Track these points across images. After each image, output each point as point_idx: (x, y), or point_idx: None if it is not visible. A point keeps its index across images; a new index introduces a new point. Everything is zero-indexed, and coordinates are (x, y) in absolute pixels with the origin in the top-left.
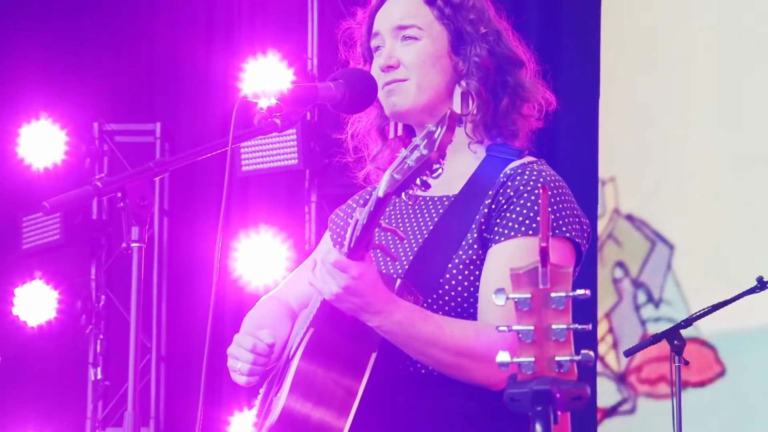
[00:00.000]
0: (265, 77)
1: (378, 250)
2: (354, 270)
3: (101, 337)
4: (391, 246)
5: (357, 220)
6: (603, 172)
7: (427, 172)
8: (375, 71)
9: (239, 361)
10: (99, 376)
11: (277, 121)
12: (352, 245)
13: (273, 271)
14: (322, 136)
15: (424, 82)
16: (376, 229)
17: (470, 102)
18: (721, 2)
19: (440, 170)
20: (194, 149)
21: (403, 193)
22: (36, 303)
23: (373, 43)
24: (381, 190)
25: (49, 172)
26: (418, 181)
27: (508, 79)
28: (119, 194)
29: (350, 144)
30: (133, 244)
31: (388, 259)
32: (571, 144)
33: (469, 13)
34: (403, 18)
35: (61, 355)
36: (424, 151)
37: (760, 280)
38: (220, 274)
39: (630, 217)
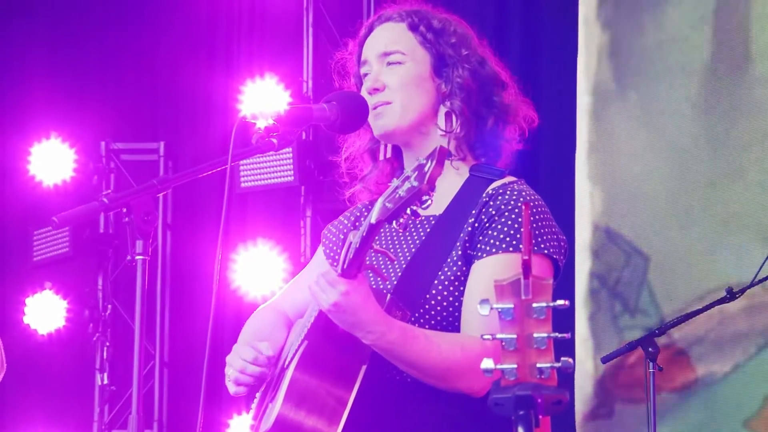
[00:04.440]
0: (262, 99)
1: (371, 272)
2: (342, 287)
3: (107, 344)
4: (382, 266)
5: (350, 243)
6: (581, 187)
7: (417, 202)
8: (363, 94)
9: (233, 369)
10: (105, 381)
11: (274, 140)
12: (345, 266)
13: (270, 281)
14: (317, 155)
15: (408, 103)
16: (371, 252)
17: (454, 121)
18: (694, 13)
19: (429, 201)
20: (196, 167)
21: (393, 221)
22: (46, 312)
23: (362, 70)
24: (374, 217)
25: (58, 189)
26: (408, 211)
27: (493, 99)
28: (125, 209)
29: (344, 166)
30: (138, 257)
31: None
32: (550, 158)
33: (451, 38)
34: (387, 45)
35: (69, 362)
36: (415, 183)
37: (729, 291)
38: (220, 285)
39: (607, 231)
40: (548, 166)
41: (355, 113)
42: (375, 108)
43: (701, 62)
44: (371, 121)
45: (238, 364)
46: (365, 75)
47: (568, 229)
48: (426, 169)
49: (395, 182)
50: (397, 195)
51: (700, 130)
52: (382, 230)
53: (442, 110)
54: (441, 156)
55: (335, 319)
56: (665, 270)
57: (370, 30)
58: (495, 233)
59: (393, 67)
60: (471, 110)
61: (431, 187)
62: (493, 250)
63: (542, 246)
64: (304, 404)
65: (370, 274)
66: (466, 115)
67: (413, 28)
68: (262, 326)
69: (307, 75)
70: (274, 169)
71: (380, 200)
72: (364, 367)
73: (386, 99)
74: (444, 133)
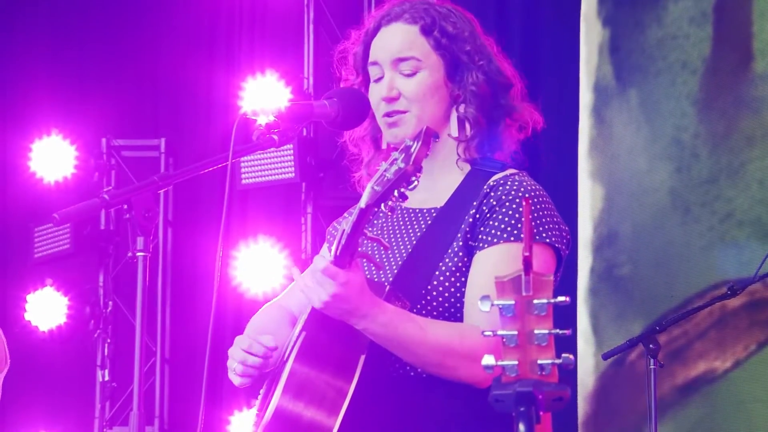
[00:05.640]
0: (263, 95)
1: (365, 259)
2: (341, 277)
3: (108, 341)
4: (377, 255)
5: (343, 230)
6: (583, 184)
7: (404, 184)
8: (374, 99)
9: (235, 362)
10: (106, 378)
11: (275, 137)
12: (338, 253)
13: (271, 278)
14: (318, 151)
15: (423, 114)
16: (363, 239)
17: (467, 126)
18: (695, 10)
19: (416, 183)
20: (196, 163)
21: (382, 204)
22: (47, 309)
23: (372, 72)
24: (363, 202)
25: (59, 185)
26: (396, 193)
27: (501, 102)
28: (126, 206)
29: (350, 148)
30: (139, 254)
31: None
32: (551, 155)
33: (465, 44)
34: (401, 50)
35: (70, 358)
36: (401, 165)
37: (730, 287)
38: (221, 282)
39: (608, 228)
40: (550, 164)
41: (356, 109)
42: (389, 115)
43: (702, 59)
44: (383, 128)
45: (240, 355)
46: (377, 79)
47: (570, 225)
48: (412, 150)
49: (383, 165)
50: (385, 178)
51: (700, 127)
52: (383, 222)
53: (455, 115)
54: (426, 137)
55: (330, 311)
56: (666, 266)
57: (378, 28)
58: (496, 224)
59: (408, 74)
60: (484, 116)
61: (417, 168)
62: (494, 240)
63: (544, 235)
64: (303, 396)
65: (369, 263)
66: (480, 122)
67: (426, 32)
68: (267, 322)
69: (307, 71)
70: (274, 165)
71: (369, 184)
72: (363, 357)
73: (402, 108)
74: (455, 138)
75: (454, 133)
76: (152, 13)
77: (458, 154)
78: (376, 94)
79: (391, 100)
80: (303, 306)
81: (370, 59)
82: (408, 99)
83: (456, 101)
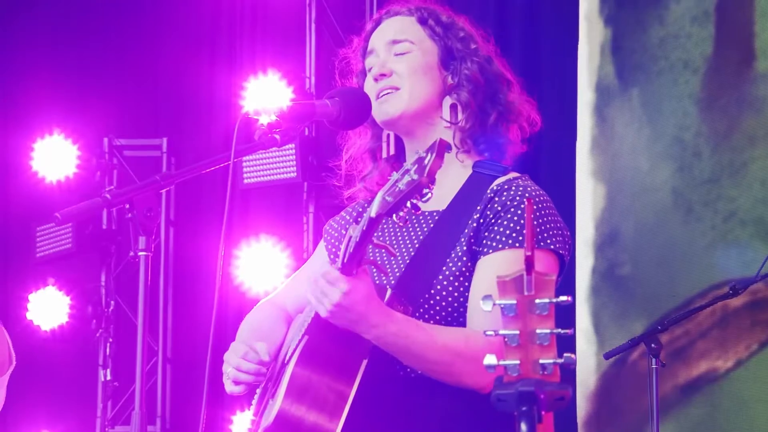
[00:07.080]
0: (265, 95)
1: (372, 266)
2: (347, 286)
3: (110, 340)
4: (384, 260)
5: (350, 237)
6: (583, 183)
7: (417, 195)
8: (368, 84)
9: (230, 366)
10: (108, 378)
11: (277, 136)
12: (345, 261)
13: (273, 277)
14: (320, 151)
15: (414, 91)
16: (370, 246)
17: (459, 112)
18: (697, 9)
19: (430, 194)
20: (198, 163)
21: (394, 215)
22: (49, 308)
23: (368, 61)
24: (373, 211)
25: (61, 185)
26: (408, 204)
27: (498, 96)
28: (127, 205)
29: (344, 167)
30: (141, 253)
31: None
32: (550, 154)
33: (459, 32)
34: (396, 33)
35: (72, 358)
36: (415, 176)
37: (732, 287)
38: (223, 281)
39: (610, 227)
40: (549, 163)
41: (358, 109)
42: (381, 94)
43: (704, 58)
44: (376, 108)
45: (235, 363)
46: (371, 67)
47: (568, 225)
48: (426, 162)
49: (395, 176)
50: (397, 188)
51: (702, 126)
52: (384, 225)
53: (447, 102)
54: (441, 149)
55: (337, 320)
56: (668, 266)
57: (378, 23)
58: (501, 229)
59: (400, 55)
60: (477, 103)
61: (431, 180)
62: (499, 246)
63: (548, 241)
64: (304, 400)
65: (372, 269)
66: (472, 107)
67: (422, 21)
68: (262, 321)
69: (309, 71)
70: (276, 165)
71: (380, 194)
72: (365, 362)
73: (394, 84)
74: (448, 124)
75: (446, 115)
76: (154, 13)
77: (455, 144)
78: (370, 77)
79: (382, 76)
80: (300, 304)
81: (368, 49)
82: (400, 75)
83: (449, 90)
